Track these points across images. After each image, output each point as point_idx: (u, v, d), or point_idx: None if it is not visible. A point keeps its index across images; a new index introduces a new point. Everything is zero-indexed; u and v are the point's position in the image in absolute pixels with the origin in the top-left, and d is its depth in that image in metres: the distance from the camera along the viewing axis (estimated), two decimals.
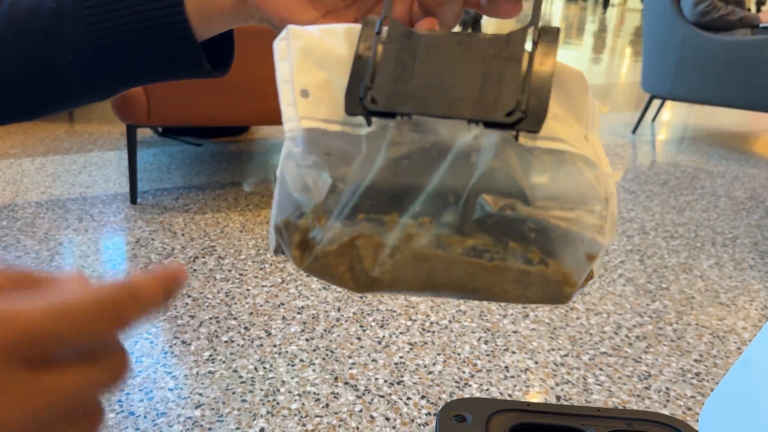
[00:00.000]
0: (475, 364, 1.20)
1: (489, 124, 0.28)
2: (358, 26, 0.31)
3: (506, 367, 1.19)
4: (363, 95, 0.29)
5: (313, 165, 0.30)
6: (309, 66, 0.31)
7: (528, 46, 0.30)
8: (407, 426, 1.02)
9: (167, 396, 1.06)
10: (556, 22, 13.99)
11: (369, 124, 0.30)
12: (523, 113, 0.28)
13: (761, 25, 2.90)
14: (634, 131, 3.33)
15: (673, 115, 4.02)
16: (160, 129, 2.67)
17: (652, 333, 1.35)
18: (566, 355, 1.25)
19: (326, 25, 0.32)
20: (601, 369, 1.21)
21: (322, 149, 0.30)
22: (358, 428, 1.00)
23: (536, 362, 1.22)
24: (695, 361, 1.26)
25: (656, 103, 3.66)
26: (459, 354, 1.23)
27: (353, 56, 0.31)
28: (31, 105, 0.40)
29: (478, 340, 1.28)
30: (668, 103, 4.25)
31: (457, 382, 1.14)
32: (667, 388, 1.17)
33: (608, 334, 1.33)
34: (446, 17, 0.36)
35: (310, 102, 0.30)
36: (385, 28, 0.31)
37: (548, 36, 0.30)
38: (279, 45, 0.31)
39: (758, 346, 0.64)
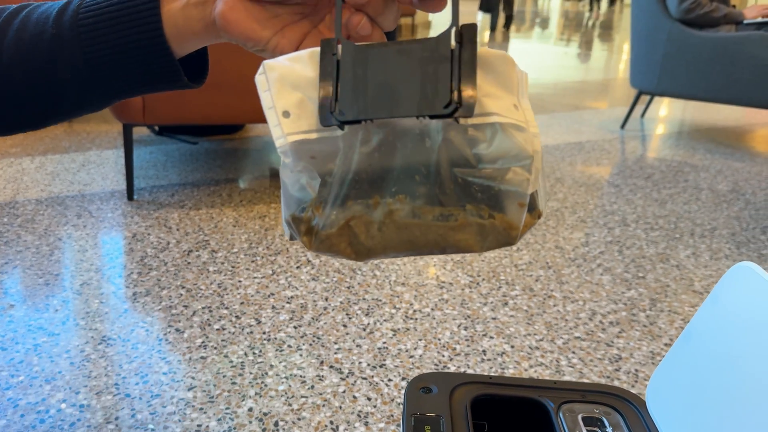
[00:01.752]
0: (454, 349, 1.26)
1: (433, 116, 0.35)
2: (317, 49, 0.38)
3: (483, 351, 1.26)
4: (332, 109, 0.36)
5: (303, 169, 0.38)
6: (285, 91, 0.38)
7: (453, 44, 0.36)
8: (387, 405, 1.08)
9: (161, 379, 1.12)
10: (554, 18, 14.01)
11: (342, 129, 0.37)
12: (457, 103, 0.34)
13: (745, 21, 2.96)
14: (622, 126, 3.39)
15: (662, 110, 4.08)
16: (156, 128, 2.73)
17: (626, 319, 1.42)
18: (541, 340, 1.31)
19: (292, 53, 0.39)
20: (573, 352, 1.27)
21: (307, 154, 0.38)
22: (341, 407, 1.07)
23: (512, 346, 1.28)
24: (665, 344, 1.33)
25: (646, 98, 3.72)
26: (439, 339, 1.29)
27: (318, 76, 0.38)
28: (35, 117, 0.46)
29: (458, 326, 1.34)
30: (659, 99, 4.31)
31: (436, 365, 1.20)
32: (636, 370, 1.23)
33: (583, 320, 1.40)
34: (387, 23, 0.43)
35: (292, 120, 0.38)
36: (339, 46, 0.38)
37: (468, 33, 0.35)
38: (259, 79, 0.38)
39: (699, 321, 0.70)
